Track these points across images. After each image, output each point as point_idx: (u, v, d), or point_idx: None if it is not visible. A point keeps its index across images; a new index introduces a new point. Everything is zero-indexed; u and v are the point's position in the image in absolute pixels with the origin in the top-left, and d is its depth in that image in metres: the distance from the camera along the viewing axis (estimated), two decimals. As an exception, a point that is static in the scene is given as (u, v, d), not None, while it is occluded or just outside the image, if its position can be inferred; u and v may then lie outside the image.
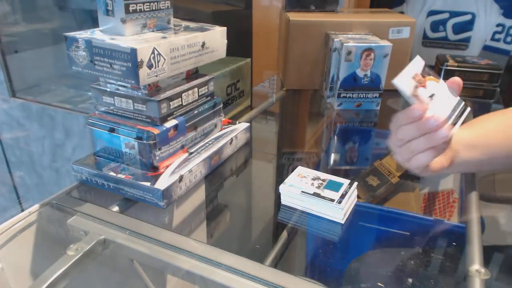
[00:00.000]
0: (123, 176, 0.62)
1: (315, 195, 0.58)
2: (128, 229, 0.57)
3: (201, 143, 0.72)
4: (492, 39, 1.08)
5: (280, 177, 0.71)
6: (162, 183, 0.60)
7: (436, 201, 0.69)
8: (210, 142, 0.73)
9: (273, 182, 0.75)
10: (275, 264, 0.52)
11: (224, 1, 1.21)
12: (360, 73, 0.89)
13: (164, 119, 0.63)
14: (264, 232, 0.63)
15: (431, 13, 1.13)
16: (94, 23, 0.62)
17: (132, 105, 0.62)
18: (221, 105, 0.76)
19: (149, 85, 0.61)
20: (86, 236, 0.58)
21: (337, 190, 0.59)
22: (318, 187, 0.60)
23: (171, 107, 0.64)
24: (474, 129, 0.55)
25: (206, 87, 0.72)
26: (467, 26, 1.10)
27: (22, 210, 0.62)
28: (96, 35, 0.59)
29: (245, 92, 1.01)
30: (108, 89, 0.63)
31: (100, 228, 0.58)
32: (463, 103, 0.47)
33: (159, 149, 0.62)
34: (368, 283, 0.50)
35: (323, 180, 0.62)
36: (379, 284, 0.48)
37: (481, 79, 0.98)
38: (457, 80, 0.45)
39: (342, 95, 0.93)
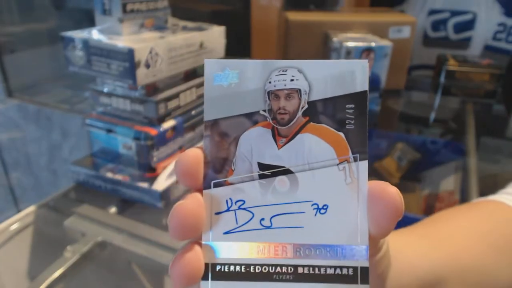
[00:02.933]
0: (120, 177, 0.61)
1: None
2: (125, 231, 0.57)
3: (199, 144, 0.72)
4: (494, 38, 1.08)
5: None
6: (160, 185, 0.59)
7: (436, 202, 0.68)
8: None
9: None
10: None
11: (222, 1, 1.21)
12: (360, 73, 0.89)
13: (162, 119, 0.62)
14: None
15: (432, 12, 1.12)
16: (92, 23, 0.62)
17: (129, 105, 0.62)
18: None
19: (146, 85, 0.60)
20: (83, 237, 0.57)
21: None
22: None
23: (169, 107, 0.63)
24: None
25: (205, 87, 0.71)
26: (468, 25, 1.09)
27: (19, 211, 0.62)
28: (93, 35, 0.59)
29: (244, 92, 1.01)
30: (105, 90, 0.63)
31: (98, 230, 0.58)
32: None
33: (157, 150, 0.62)
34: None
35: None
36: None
37: (482, 79, 0.97)
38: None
39: (342, 95, 0.92)
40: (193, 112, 0.69)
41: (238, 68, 0.19)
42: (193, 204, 0.17)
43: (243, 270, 0.18)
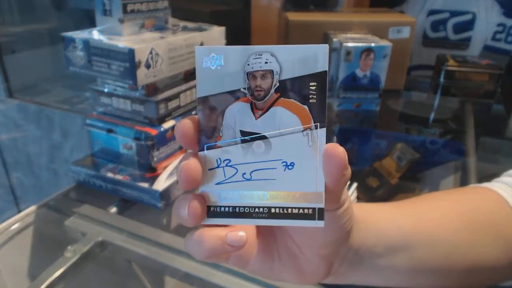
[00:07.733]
0: (121, 177, 0.61)
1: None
2: (126, 231, 0.57)
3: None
4: (493, 38, 1.08)
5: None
6: (160, 185, 0.59)
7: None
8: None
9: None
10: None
11: (223, 1, 1.21)
12: (359, 73, 0.89)
13: (162, 119, 0.62)
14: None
15: (431, 12, 1.13)
16: (92, 23, 0.62)
17: (129, 105, 0.62)
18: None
19: (147, 85, 0.60)
20: (84, 237, 0.57)
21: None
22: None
23: (169, 107, 0.63)
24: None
25: (205, 87, 0.71)
26: (468, 25, 1.10)
27: (19, 212, 0.62)
28: (94, 35, 0.59)
29: (244, 92, 1.01)
30: (106, 90, 0.63)
31: (98, 230, 0.58)
32: None
33: (157, 150, 0.62)
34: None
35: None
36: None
37: (481, 79, 0.98)
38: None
39: (341, 96, 0.92)
40: (193, 113, 0.69)
41: (222, 53, 0.23)
42: (193, 163, 0.23)
43: (230, 211, 0.23)
